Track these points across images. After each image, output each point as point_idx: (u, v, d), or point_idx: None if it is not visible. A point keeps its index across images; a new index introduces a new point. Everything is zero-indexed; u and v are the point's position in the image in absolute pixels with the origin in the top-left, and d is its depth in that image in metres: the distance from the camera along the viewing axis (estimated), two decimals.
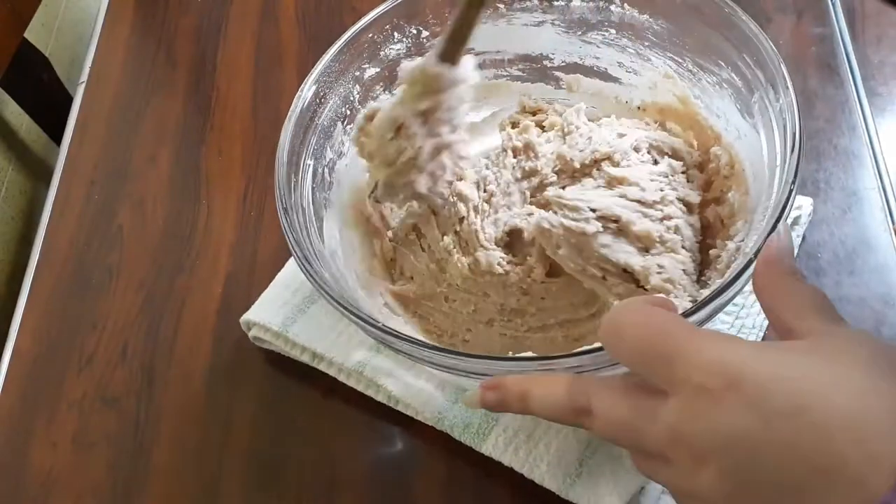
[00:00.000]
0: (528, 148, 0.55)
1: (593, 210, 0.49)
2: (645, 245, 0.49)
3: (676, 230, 0.50)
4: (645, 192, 0.51)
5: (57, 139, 0.82)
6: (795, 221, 0.56)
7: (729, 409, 0.30)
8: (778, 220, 0.40)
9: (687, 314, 0.39)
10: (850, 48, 0.66)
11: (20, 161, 0.89)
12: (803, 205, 0.56)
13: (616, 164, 0.52)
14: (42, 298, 0.63)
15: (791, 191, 0.42)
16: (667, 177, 0.53)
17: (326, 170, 0.54)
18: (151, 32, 0.80)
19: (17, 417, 0.57)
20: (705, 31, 0.51)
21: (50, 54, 0.91)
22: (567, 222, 0.49)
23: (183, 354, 0.58)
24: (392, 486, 0.51)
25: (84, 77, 0.77)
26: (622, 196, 0.51)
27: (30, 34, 0.85)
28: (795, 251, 0.55)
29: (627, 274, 0.49)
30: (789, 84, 0.45)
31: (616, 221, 0.49)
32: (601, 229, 0.49)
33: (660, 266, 0.49)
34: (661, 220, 0.50)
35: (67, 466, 0.54)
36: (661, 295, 0.47)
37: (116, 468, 0.54)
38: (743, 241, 0.48)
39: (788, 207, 0.41)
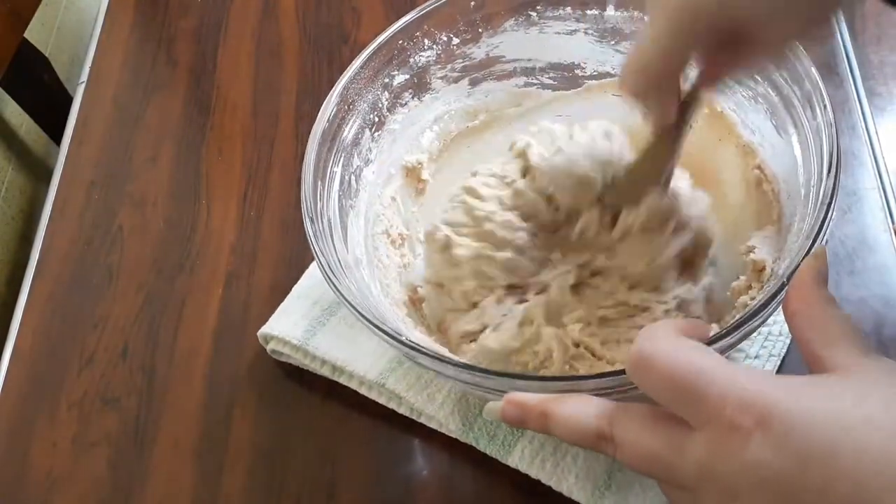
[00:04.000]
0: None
1: None
2: None
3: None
4: None
5: (57, 139, 0.82)
6: None
7: (760, 449, 0.30)
8: (813, 243, 0.39)
9: (716, 338, 0.38)
10: (850, 48, 0.66)
11: (20, 161, 0.89)
12: None
13: None
14: (42, 298, 0.63)
15: (828, 212, 0.40)
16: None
17: (353, 177, 0.54)
18: (151, 32, 0.80)
19: (17, 417, 0.57)
20: None
21: (50, 54, 0.91)
22: None
23: (183, 354, 0.58)
24: (394, 491, 0.51)
25: (84, 77, 0.77)
26: None
27: (30, 34, 0.85)
28: None
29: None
30: (827, 102, 0.44)
31: None
32: None
33: None
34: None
35: (67, 466, 0.54)
36: (694, 319, 0.46)
37: (116, 468, 0.54)
38: (754, 250, 0.48)
39: (825, 229, 0.40)
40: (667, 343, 0.34)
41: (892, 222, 0.57)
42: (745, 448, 0.30)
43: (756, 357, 0.51)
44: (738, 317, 0.40)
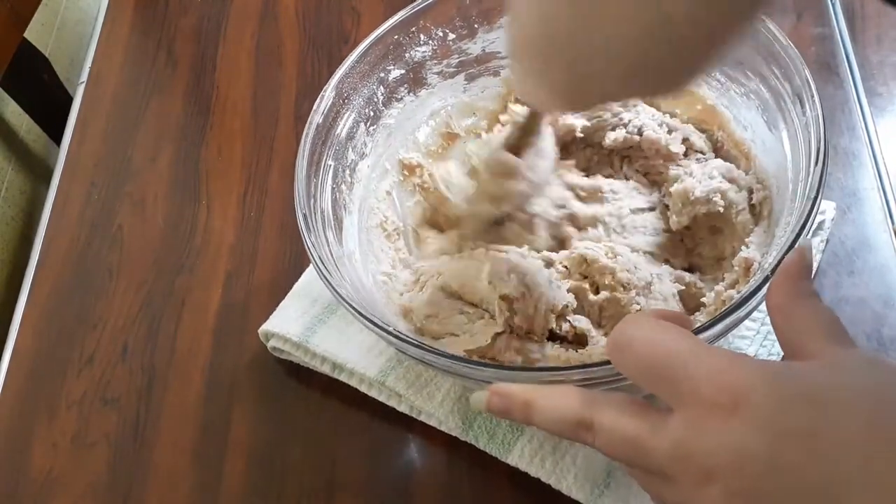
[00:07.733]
0: None
1: None
2: None
3: None
4: None
5: (57, 139, 0.82)
6: (819, 227, 0.55)
7: (738, 427, 0.30)
8: (798, 237, 0.40)
9: (699, 330, 0.38)
10: (849, 48, 0.66)
11: (20, 161, 0.89)
12: (827, 209, 0.56)
13: None
14: (42, 298, 0.63)
15: (813, 206, 0.41)
16: None
17: (348, 171, 0.54)
18: (151, 32, 0.80)
19: (17, 417, 0.57)
20: None
21: (50, 54, 0.91)
22: None
23: (183, 354, 0.58)
24: (394, 489, 0.51)
25: (84, 77, 0.78)
26: None
27: (30, 34, 0.84)
28: (818, 258, 0.54)
29: None
30: (816, 98, 0.45)
31: None
32: None
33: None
34: None
35: (67, 466, 0.54)
36: (676, 310, 0.46)
37: (116, 468, 0.54)
38: (744, 245, 0.48)
39: (810, 223, 0.40)
40: (647, 325, 0.35)
41: (892, 222, 0.57)
42: (722, 427, 0.30)
43: (756, 356, 0.51)
44: (721, 310, 0.40)
